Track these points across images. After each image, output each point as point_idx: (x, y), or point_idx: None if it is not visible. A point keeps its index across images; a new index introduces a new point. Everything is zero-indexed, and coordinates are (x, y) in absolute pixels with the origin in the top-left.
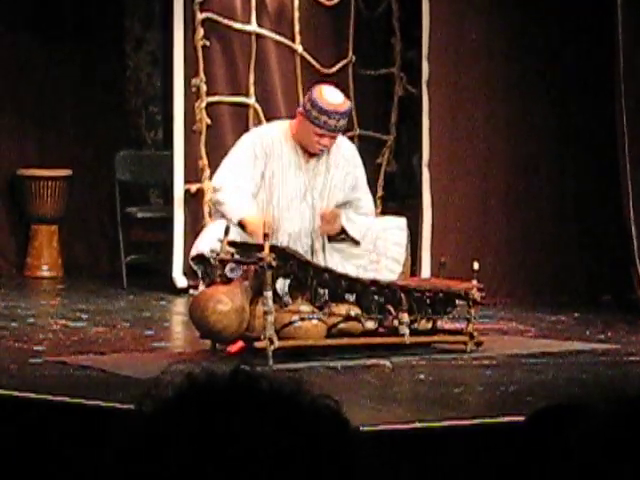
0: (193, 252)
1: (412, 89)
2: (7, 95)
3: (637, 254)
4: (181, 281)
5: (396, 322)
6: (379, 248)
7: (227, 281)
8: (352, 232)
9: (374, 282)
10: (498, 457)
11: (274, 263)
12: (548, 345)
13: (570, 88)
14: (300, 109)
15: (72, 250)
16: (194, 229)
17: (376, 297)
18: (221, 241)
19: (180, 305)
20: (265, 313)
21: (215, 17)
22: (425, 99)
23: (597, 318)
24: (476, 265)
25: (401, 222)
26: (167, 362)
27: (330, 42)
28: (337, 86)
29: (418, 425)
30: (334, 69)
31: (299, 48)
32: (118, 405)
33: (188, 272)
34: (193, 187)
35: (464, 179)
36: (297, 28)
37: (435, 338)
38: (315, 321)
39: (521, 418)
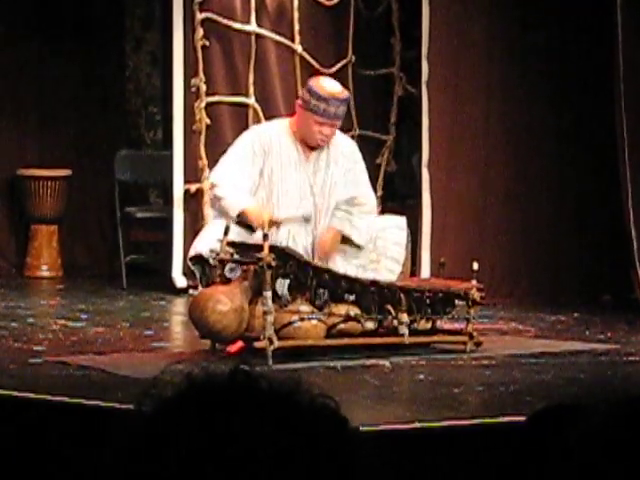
0: (191, 252)
1: (412, 89)
2: (7, 95)
3: (637, 255)
4: (181, 281)
5: (395, 322)
6: (379, 248)
7: (226, 281)
8: (358, 240)
9: (374, 282)
10: (497, 457)
11: (273, 263)
12: (548, 345)
13: (570, 88)
14: (299, 101)
15: (72, 250)
16: (194, 229)
17: (375, 297)
18: (220, 241)
19: (180, 305)
20: (264, 313)
21: (215, 17)
22: (425, 99)
23: (597, 318)
24: (475, 265)
25: (401, 221)
26: (166, 362)
27: (330, 42)
28: None
29: (418, 425)
30: (334, 69)
31: (299, 48)
32: (117, 405)
33: (188, 272)
34: (193, 187)
35: (463, 179)
36: (297, 28)
37: (434, 338)
38: (314, 321)
39: (521, 418)
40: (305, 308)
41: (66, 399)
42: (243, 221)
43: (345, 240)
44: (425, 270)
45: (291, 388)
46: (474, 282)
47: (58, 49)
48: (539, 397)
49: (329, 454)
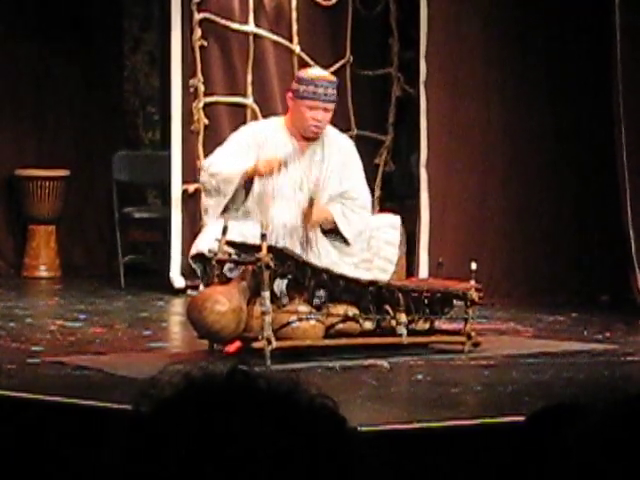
0: (193, 251)
1: (410, 89)
2: (5, 95)
3: (635, 255)
4: (179, 281)
5: (394, 322)
6: (372, 247)
7: (225, 281)
8: (344, 230)
9: (372, 282)
10: (496, 457)
11: (272, 263)
12: (546, 345)
13: (568, 89)
14: (289, 94)
15: (70, 250)
16: (192, 229)
17: (374, 297)
18: (219, 241)
19: (178, 305)
20: (263, 313)
21: (213, 17)
22: (423, 99)
23: (595, 318)
24: (474, 265)
25: (395, 220)
26: (165, 362)
27: (328, 42)
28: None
29: (416, 425)
30: (332, 69)
31: (297, 48)
32: (116, 405)
33: (186, 272)
34: (191, 187)
35: (462, 179)
36: (295, 28)
37: (433, 338)
38: (313, 321)
39: (519, 418)
40: (303, 308)
41: (64, 399)
42: (251, 176)
43: (334, 233)
44: (423, 270)
45: (289, 388)
46: (472, 282)
47: (56, 49)
48: (537, 397)
49: (328, 454)
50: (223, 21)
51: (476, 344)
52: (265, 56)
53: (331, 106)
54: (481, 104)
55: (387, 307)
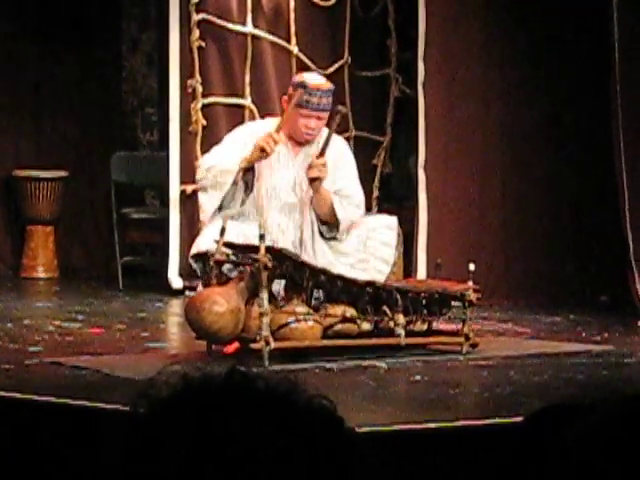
0: (194, 250)
1: (408, 90)
2: (4, 96)
3: (633, 256)
4: (177, 282)
5: (392, 323)
6: (368, 248)
7: (223, 282)
8: (339, 212)
9: (370, 283)
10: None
11: (270, 264)
12: (544, 346)
13: (566, 90)
14: (284, 97)
15: (68, 251)
16: (190, 230)
17: (372, 298)
18: (217, 242)
19: (176, 306)
20: (261, 314)
21: (211, 18)
22: (421, 100)
23: (593, 319)
24: (472, 266)
25: (391, 221)
26: (163, 363)
27: (326, 43)
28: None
29: (414, 426)
30: (330, 70)
31: (295, 49)
32: (114, 406)
33: (184, 273)
34: (189, 188)
35: (460, 180)
36: (293, 29)
37: (431, 339)
38: (311, 322)
39: (517, 419)
40: (301, 309)
41: (62, 400)
42: (251, 160)
43: (327, 224)
44: (421, 271)
45: (287, 388)
46: (470, 283)
47: (54, 50)
48: (536, 398)
49: (326, 454)
50: (221, 22)
51: (474, 345)
52: (263, 57)
53: (325, 114)
54: (479, 105)
55: (385, 308)
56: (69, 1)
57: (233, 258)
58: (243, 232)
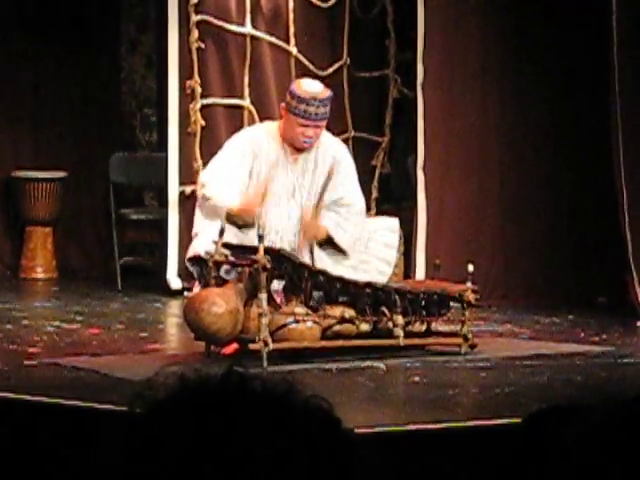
0: (189, 253)
1: (407, 91)
2: (2, 97)
3: (631, 257)
4: (175, 283)
5: (390, 324)
6: (370, 249)
7: (222, 283)
8: (340, 241)
9: (368, 284)
10: (492, 459)
11: (268, 265)
12: (543, 347)
13: (565, 91)
14: (283, 104)
15: (66, 252)
16: (189, 231)
17: (370, 299)
18: (215, 243)
19: (174, 307)
20: (260, 315)
21: (210, 19)
22: (420, 101)
23: (592, 320)
24: (470, 267)
25: (393, 223)
26: (162, 364)
27: (325, 44)
28: (331, 88)
29: (412, 427)
30: (329, 71)
31: (294, 50)
32: (112, 407)
33: (183, 274)
34: (188, 189)
35: (459, 181)
36: (292, 30)
37: (429, 340)
38: (310, 323)
39: (516, 420)
40: (300, 310)
41: (61, 401)
42: (233, 219)
43: (330, 243)
44: (420, 272)
45: (284, 389)
46: (469, 284)
47: (54, 50)
48: (534, 399)
49: (323, 455)
50: (220, 23)
51: (473, 346)
52: (262, 58)
53: (323, 123)
54: (478, 106)
55: (384, 309)
56: (68, 2)
57: (232, 259)
58: (239, 234)
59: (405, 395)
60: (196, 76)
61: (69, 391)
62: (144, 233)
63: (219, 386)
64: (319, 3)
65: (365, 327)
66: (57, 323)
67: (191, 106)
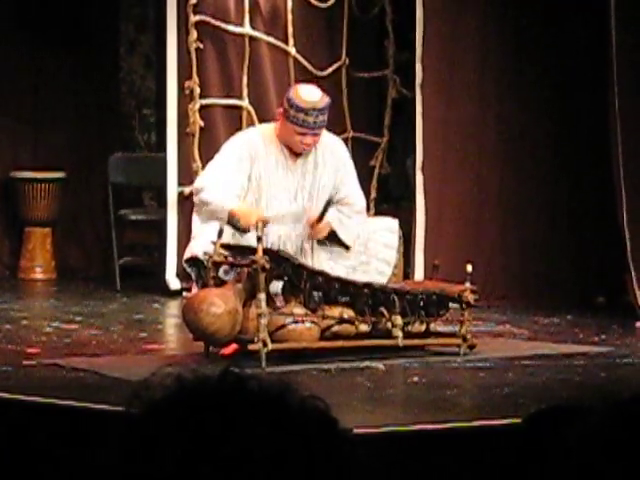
0: (187, 254)
1: (405, 91)
2: (1, 97)
3: (630, 257)
4: (174, 283)
5: (389, 325)
6: (370, 249)
7: (220, 283)
8: (344, 237)
9: (367, 285)
10: (491, 459)
11: (267, 266)
12: (542, 347)
13: (565, 90)
14: (280, 110)
15: (65, 252)
16: (187, 231)
17: (369, 300)
18: (214, 243)
19: (173, 307)
20: (258, 315)
21: (208, 19)
22: (418, 101)
23: (591, 320)
24: (469, 267)
25: (393, 224)
26: (160, 364)
27: (323, 44)
28: (330, 88)
29: (411, 427)
30: (327, 71)
31: (292, 50)
32: (111, 407)
33: (181, 274)
34: (187, 189)
35: (457, 181)
36: (290, 30)
37: (428, 341)
38: (308, 324)
39: (515, 420)
40: (299, 310)
41: (59, 401)
42: (232, 223)
43: (333, 239)
44: (419, 272)
45: (281, 389)
46: (468, 284)
47: (53, 51)
48: (533, 399)
49: (321, 456)
50: (219, 23)
51: (472, 346)
52: (261, 58)
53: (321, 130)
54: (477, 106)
55: (383, 309)
56: (68, 2)
57: (231, 259)
58: (236, 235)
59: (404, 395)
60: (195, 76)
61: (68, 391)
62: (143, 233)
63: (216, 386)
64: (318, 3)
65: (364, 327)
66: (56, 323)
67: (190, 106)
